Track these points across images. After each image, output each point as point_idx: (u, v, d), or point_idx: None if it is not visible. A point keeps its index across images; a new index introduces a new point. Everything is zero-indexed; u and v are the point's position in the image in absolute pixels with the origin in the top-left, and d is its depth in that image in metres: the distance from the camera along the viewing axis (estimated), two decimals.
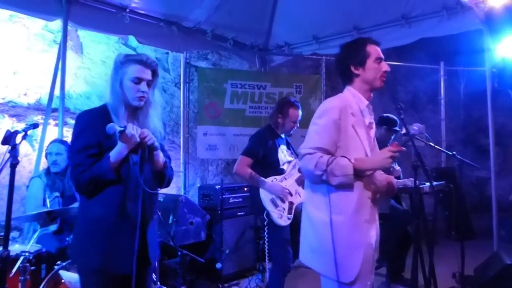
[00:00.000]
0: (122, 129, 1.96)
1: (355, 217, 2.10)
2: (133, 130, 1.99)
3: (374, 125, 2.30)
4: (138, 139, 2.00)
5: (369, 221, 2.16)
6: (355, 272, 2.05)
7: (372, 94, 2.27)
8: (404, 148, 2.07)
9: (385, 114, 4.28)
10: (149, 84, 2.13)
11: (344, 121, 2.12)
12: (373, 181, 2.20)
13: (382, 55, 2.22)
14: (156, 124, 2.18)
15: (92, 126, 2.01)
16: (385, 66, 2.21)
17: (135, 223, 2.01)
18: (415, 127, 2.14)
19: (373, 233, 2.20)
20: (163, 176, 2.26)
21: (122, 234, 2.01)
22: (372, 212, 2.19)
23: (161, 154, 2.20)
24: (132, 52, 5.33)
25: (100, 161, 1.98)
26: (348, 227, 2.08)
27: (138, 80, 2.07)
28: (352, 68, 2.22)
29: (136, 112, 2.15)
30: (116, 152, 1.99)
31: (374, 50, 2.22)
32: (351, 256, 2.07)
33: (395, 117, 4.22)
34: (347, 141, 2.12)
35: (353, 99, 2.22)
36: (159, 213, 3.28)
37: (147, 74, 2.10)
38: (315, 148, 2.10)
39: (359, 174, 2.09)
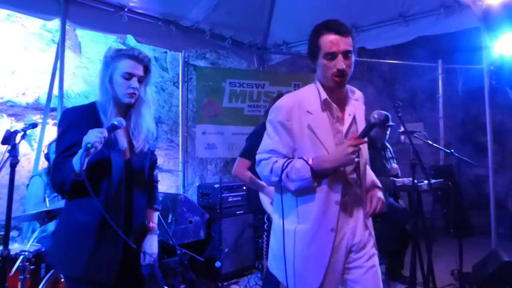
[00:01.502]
0: (115, 123, 1.86)
1: (317, 225, 1.88)
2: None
3: (350, 118, 1.96)
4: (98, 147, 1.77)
5: (338, 231, 1.90)
6: (316, 285, 1.88)
7: (340, 91, 1.96)
8: (366, 140, 1.85)
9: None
10: (141, 80, 1.99)
11: (296, 121, 1.90)
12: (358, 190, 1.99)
13: (336, 49, 1.83)
14: (149, 124, 2.07)
15: (78, 124, 1.88)
16: (338, 64, 1.83)
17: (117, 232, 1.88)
18: (375, 115, 1.93)
19: (342, 244, 1.92)
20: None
21: (105, 242, 1.90)
22: (344, 222, 1.92)
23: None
24: None
25: (69, 163, 1.80)
26: (308, 236, 1.89)
27: (128, 76, 1.94)
28: (311, 62, 1.95)
29: (127, 111, 2.03)
30: (76, 160, 1.77)
31: (326, 43, 1.84)
32: (310, 268, 1.89)
33: (384, 112, 4.21)
34: (304, 142, 1.89)
35: (316, 93, 1.94)
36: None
37: (139, 70, 1.97)
38: (268, 151, 1.95)
39: (319, 175, 1.86)
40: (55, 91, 4.08)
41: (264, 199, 3.36)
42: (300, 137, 1.90)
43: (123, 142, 1.97)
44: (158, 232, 2.21)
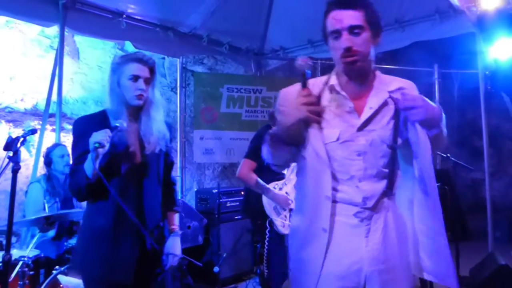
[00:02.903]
0: (117, 125, 1.91)
1: (309, 221, 1.62)
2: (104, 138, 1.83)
3: (371, 111, 1.61)
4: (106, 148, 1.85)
5: (337, 238, 1.57)
6: None
7: (359, 78, 1.63)
8: (308, 91, 1.55)
9: None
10: (147, 82, 2.04)
11: None
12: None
13: (340, 26, 1.54)
14: (159, 125, 2.11)
15: (88, 132, 1.88)
16: (342, 42, 1.54)
17: (134, 233, 1.98)
18: (298, 63, 1.56)
19: (341, 254, 1.56)
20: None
21: (121, 243, 1.98)
22: (359, 239, 1.56)
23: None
24: None
25: (81, 169, 1.89)
26: (300, 235, 1.66)
27: (135, 78, 1.99)
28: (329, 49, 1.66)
29: (137, 114, 2.08)
30: (87, 164, 1.87)
31: (330, 21, 1.58)
32: (305, 274, 1.63)
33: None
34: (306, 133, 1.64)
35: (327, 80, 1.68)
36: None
37: (144, 72, 2.03)
38: None
39: (281, 136, 1.60)
40: (54, 97, 4.09)
41: (267, 204, 3.27)
42: None
43: (133, 144, 2.03)
44: (180, 233, 2.29)
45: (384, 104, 1.63)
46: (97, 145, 1.78)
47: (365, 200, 1.57)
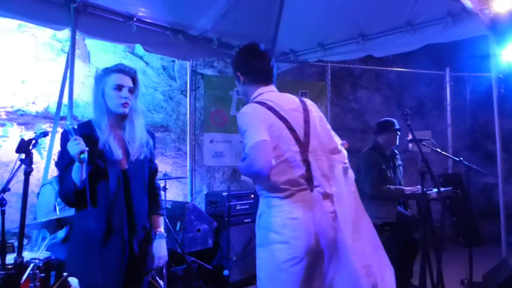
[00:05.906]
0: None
1: None
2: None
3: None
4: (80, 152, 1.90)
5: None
6: None
7: None
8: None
9: (379, 120, 4.33)
10: (131, 91, 2.14)
11: None
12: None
13: None
14: (142, 133, 2.20)
15: None
16: None
17: (123, 237, 2.06)
18: None
19: None
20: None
21: (111, 248, 2.04)
22: None
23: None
24: (139, 61, 5.39)
25: (69, 177, 1.97)
26: None
27: (119, 87, 2.09)
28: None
29: (122, 122, 2.17)
30: (75, 171, 1.95)
31: None
32: None
33: (389, 119, 4.27)
34: None
35: None
36: (167, 221, 3.32)
37: (127, 81, 2.13)
38: None
39: None
40: (65, 100, 4.11)
41: None
42: None
43: (118, 152, 2.08)
44: (165, 235, 2.38)
45: None
46: (82, 156, 1.86)
47: None
